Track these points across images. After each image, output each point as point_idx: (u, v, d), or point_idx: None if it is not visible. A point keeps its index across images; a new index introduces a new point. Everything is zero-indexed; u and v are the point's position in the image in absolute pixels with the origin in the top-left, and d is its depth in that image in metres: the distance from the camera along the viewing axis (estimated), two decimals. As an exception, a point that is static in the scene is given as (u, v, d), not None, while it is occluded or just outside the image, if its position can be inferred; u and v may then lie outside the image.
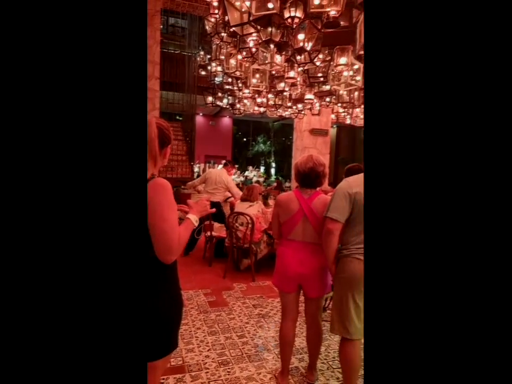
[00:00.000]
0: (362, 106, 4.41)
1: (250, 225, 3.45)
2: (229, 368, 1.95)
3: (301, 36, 2.36)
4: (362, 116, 4.91)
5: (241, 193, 4.18)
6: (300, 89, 4.07)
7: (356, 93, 3.81)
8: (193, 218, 1.13)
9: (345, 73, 2.73)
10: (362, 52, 2.39)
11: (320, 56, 2.85)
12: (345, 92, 3.57)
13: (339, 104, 3.85)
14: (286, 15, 2.08)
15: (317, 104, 4.48)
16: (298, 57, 2.66)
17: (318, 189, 1.84)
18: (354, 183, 1.56)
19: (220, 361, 2.02)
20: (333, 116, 5.87)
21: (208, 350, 2.12)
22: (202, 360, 2.01)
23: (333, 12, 1.90)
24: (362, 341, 1.70)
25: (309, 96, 4.04)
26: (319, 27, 2.26)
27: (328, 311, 2.58)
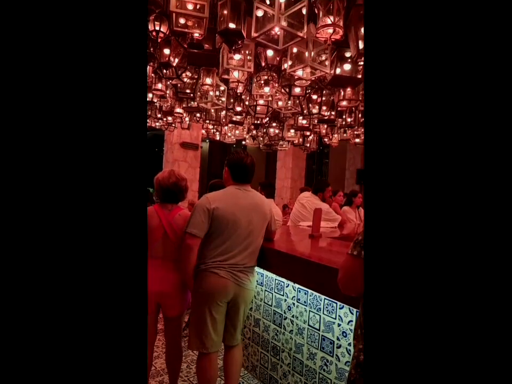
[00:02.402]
0: (230, 125, 4.69)
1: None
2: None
3: (166, 51, 2.36)
4: (230, 134, 5.22)
5: None
6: (170, 102, 4.04)
7: (223, 112, 4.03)
8: None
9: (211, 93, 2.86)
10: (225, 76, 2.56)
11: (188, 73, 2.91)
12: (213, 110, 3.72)
13: (207, 121, 3.98)
14: (150, 27, 2.05)
15: (187, 119, 4.52)
16: (164, 71, 2.64)
17: (180, 203, 1.84)
18: (213, 199, 1.63)
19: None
20: (203, 131, 6.02)
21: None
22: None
23: (196, 34, 1.98)
24: (223, 350, 1.77)
25: (178, 110, 4.05)
26: (185, 45, 2.31)
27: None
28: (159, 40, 2.12)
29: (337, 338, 1.57)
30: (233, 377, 1.71)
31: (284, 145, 4.90)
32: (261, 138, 5.01)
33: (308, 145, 4.79)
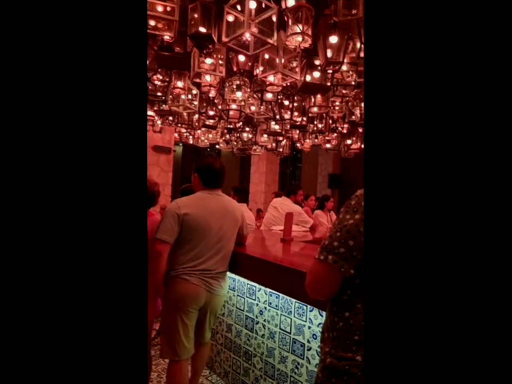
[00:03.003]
0: (203, 129, 4.66)
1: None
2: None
3: (136, 53, 2.32)
4: (203, 138, 5.18)
5: None
6: (140, 105, 3.95)
7: (196, 116, 3.99)
8: None
9: (182, 96, 2.83)
10: (197, 80, 2.54)
11: (159, 76, 2.86)
12: (185, 113, 3.68)
13: (180, 124, 3.94)
14: (119, 28, 2.00)
15: (159, 122, 4.44)
16: (134, 73, 2.59)
17: (151, 208, 1.81)
18: (183, 204, 1.61)
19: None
20: (176, 135, 5.94)
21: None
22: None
23: (166, 36, 1.96)
24: (189, 359, 1.75)
25: (149, 112, 3.97)
26: (155, 48, 2.28)
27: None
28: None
29: (308, 341, 1.59)
30: (198, 371, 1.80)
31: (257, 150, 4.93)
32: (235, 143, 5.01)
33: (281, 150, 4.85)
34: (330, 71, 1.94)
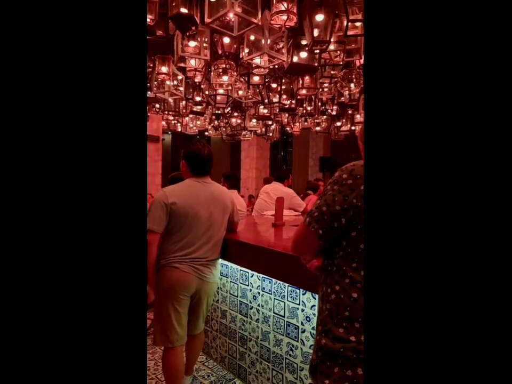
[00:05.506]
0: (191, 115, 4.56)
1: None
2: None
3: (116, 37, 2.23)
4: (192, 125, 5.09)
5: None
6: (125, 92, 3.83)
7: (183, 102, 3.90)
8: None
9: (168, 82, 2.75)
10: (182, 64, 2.46)
11: (142, 61, 2.77)
12: (171, 100, 3.59)
13: (166, 112, 3.85)
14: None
15: (145, 110, 4.34)
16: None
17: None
18: (171, 193, 1.58)
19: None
20: (164, 123, 5.82)
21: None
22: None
23: (147, 19, 1.88)
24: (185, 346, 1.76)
25: (135, 100, 3.86)
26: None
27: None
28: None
29: (301, 323, 1.60)
30: (192, 360, 1.82)
31: (246, 135, 4.86)
32: (224, 129, 4.93)
33: (271, 134, 4.79)
34: (317, 51, 1.90)
